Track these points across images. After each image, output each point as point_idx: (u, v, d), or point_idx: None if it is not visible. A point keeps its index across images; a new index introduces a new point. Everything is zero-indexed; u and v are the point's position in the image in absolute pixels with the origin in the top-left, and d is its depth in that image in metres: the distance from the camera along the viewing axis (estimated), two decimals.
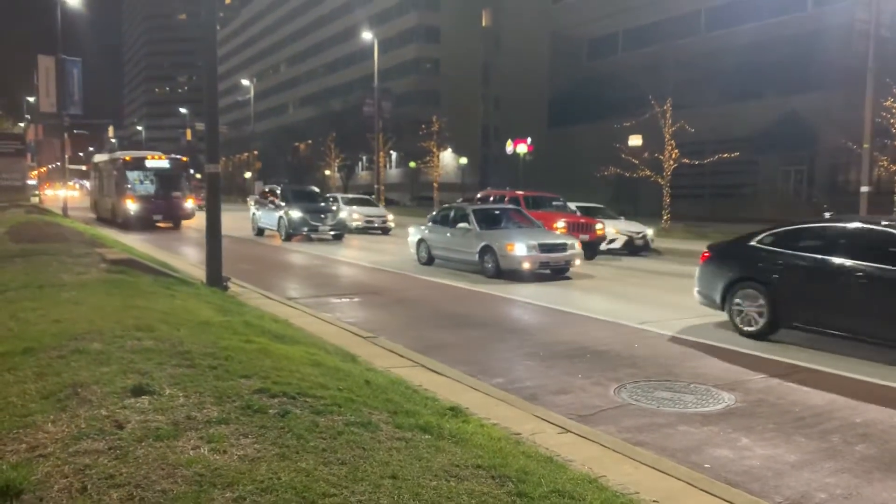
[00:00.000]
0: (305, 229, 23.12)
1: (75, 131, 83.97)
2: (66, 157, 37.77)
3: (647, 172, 29.89)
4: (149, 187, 28.11)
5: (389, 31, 73.55)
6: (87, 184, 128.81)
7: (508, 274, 14.16)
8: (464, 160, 58.96)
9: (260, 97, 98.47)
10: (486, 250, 14.34)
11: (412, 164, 60.13)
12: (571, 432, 5.08)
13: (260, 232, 25.51)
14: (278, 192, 25.08)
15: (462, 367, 7.09)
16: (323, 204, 25.14)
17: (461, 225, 15.14)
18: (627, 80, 40.43)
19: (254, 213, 26.39)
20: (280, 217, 23.39)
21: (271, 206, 24.41)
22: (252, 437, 3.83)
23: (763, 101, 35.45)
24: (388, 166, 67.82)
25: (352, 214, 26.74)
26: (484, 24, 73.23)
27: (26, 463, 3.39)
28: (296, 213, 22.92)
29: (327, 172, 66.31)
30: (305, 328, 8.37)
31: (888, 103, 20.98)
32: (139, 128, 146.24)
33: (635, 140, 31.38)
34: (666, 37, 41.98)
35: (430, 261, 16.14)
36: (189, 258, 17.24)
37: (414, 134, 52.78)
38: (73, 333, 5.92)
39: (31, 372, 4.85)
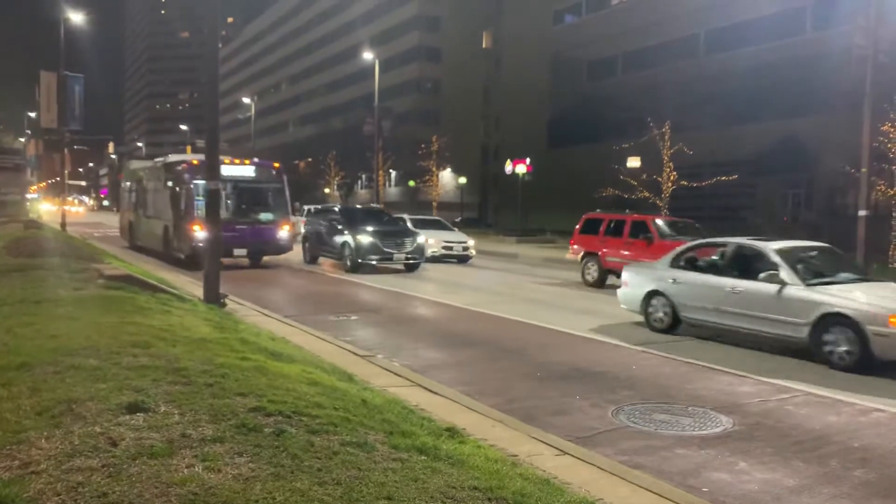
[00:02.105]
0: (376, 258, 18.89)
1: (75, 147, 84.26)
2: (66, 172, 37.81)
3: (646, 194, 29.99)
4: (228, 206, 18.91)
5: (390, 50, 74.01)
6: (87, 199, 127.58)
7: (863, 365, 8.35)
8: (463, 179, 59.12)
9: (261, 115, 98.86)
10: (834, 324, 8.54)
11: (411, 183, 60.28)
12: (568, 454, 5.05)
13: (313, 259, 21.75)
14: (336, 211, 21.41)
15: None
16: (396, 226, 21.09)
17: (761, 276, 9.45)
18: (627, 102, 40.65)
19: (305, 238, 22.25)
20: (344, 242, 19.28)
21: (329, 228, 20.27)
22: (247, 456, 3.80)
23: (762, 125, 35.61)
24: (387, 185, 67.96)
25: (427, 240, 21.41)
26: (484, 45, 73.71)
27: (19, 479, 3.35)
28: (365, 238, 18.80)
29: (326, 190, 66.51)
30: (302, 346, 8.34)
31: (886, 128, 21.08)
32: (139, 144, 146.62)
33: (634, 161, 31.51)
34: (665, 59, 42.27)
35: (673, 325, 10.71)
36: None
37: (413, 153, 52.98)
38: (68, 349, 5.90)
39: (25, 387, 4.82)
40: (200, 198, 17.44)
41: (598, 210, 19.82)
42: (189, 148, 78.39)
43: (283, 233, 19.70)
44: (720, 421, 6.34)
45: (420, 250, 19.65)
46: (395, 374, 7.36)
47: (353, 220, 20.12)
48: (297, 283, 17.65)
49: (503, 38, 67.37)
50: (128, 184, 26.76)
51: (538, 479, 4.28)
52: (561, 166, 47.90)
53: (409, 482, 3.72)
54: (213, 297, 10.94)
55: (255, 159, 22.19)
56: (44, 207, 55.00)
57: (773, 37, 35.85)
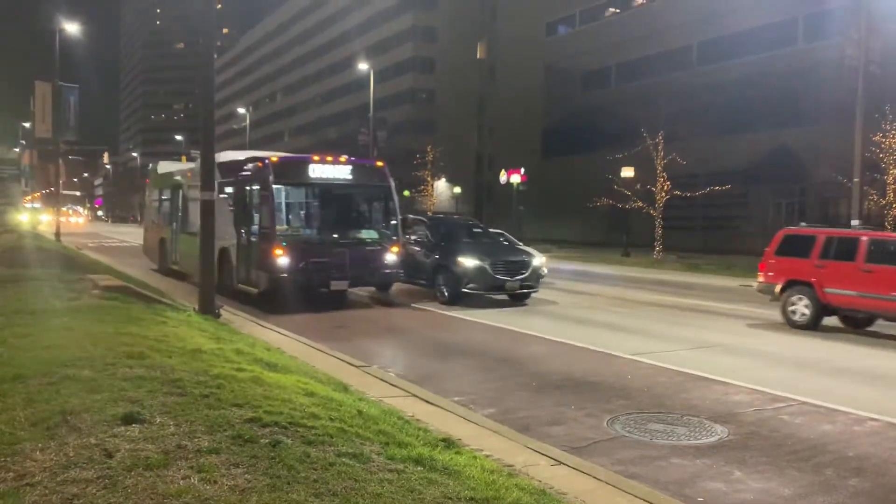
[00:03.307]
0: (484, 287, 14.44)
1: (70, 157, 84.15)
2: (61, 182, 37.75)
3: (640, 204, 30.11)
4: (317, 221, 14.50)
5: (386, 61, 74.24)
6: (81, 209, 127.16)
7: None
8: (458, 189, 59.19)
9: (256, 125, 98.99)
10: None
11: (406, 193, 60.26)
12: (564, 464, 5.05)
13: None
14: (424, 222, 16.41)
15: None
16: (504, 245, 17.02)
17: None
18: (620, 113, 40.83)
19: None
20: (439, 266, 14.86)
21: (413, 246, 15.62)
22: (243, 467, 3.80)
23: (754, 135, 35.81)
24: None
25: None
26: (479, 55, 74.02)
27: (14, 492, 3.34)
28: (470, 261, 14.34)
29: None
30: (298, 357, 8.33)
31: (877, 138, 21.25)
32: (134, 154, 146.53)
33: (628, 171, 31.66)
34: (658, 71, 42.53)
35: None
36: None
37: (408, 163, 53.03)
38: (63, 360, 5.88)
39: (20, 399, 4.80)
40: (277, 213, 13.33)
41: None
42: (184, 158, 78.25)
43: (392, 257, 13.97)
44: (715, 430, 6.35)
45: (537, 276, 15.27)
46: (391, 384, 7.36)
47: (445, 235, 15.81)
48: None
49: (497, 48, 67.67)
50: (156, 192, 20.55)
51: (534, 490, 4.28)
52: (555, 176, 48.05)
53: (406, 493, 3.72)
54: (209, 307, 10.92)
55: (352, 157, 15.76)
56: (44, 218, 54.84)
57: (765, 48, 36.13)
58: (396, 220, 14.55)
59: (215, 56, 14.07)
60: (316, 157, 13.93)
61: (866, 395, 7.81)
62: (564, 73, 51.40)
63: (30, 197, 54.42)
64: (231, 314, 11.79)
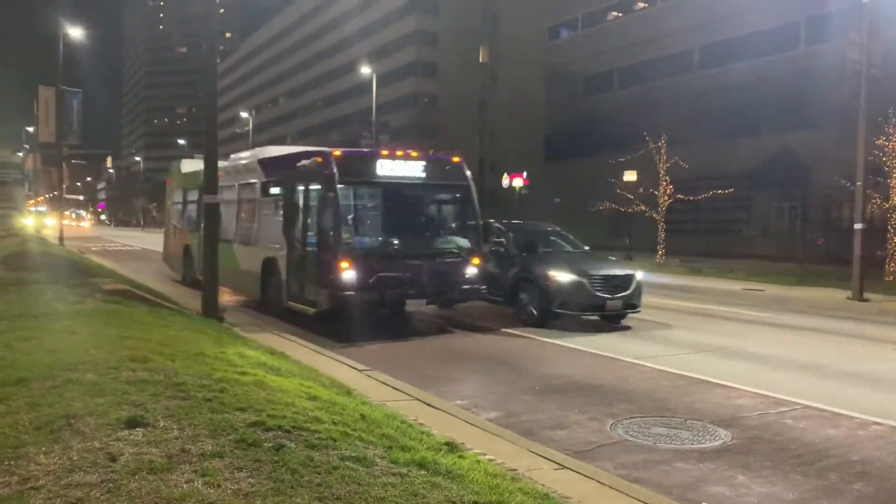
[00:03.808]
0: (581, 306, 12.17)
1: (73, 161, 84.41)
2: (64, 186, 37.80)
3: (642, 207, 30.11)
4: (387, 227, 12.19)
5: (388, 65, 74.39)
6: (84, 213, 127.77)
7: None
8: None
9: (259, 129, 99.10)
10: None
11: None
12: (568, 468, 5.04)
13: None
14: (501, 229, 13.78)
15: None
16: (597, 256, 14.13)
17: None
18: (622, 117, 40.87)
19: None
20: (522, 280, 12.65)
21: (490, 258, 12.99)
22: (246, 471, 3.80)
23: (757, 139, 35.79)
24: None
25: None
26: (481, 59, 74.16)
27: (18, 495, 3.35)
28: (565, 275, 12.09)
29: None
30: (301, 361, 8.33)
31: (880, 141, 21.22)
32: (137, 158, 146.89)
33: (630, 175, 31.66)
34: (660, 74, 42.56)
35: None
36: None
37: None
38: (67, 364, 5.88)
39: (23, 402, 4.80)
40: (343, 216, 10.89)
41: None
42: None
43: (474, 270, 11.75)
44: (719, 434, 6.34)
45: (639, 293, 12.68)
46: (394, 388, 7.35)
47: (527, 244, 13.52)
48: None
49: (499, 53, 67.82)
50: (179, 193, 18.21)
51: (538, 494, 4.27)
52: (557, 180, 48.07)
53: (409, 497, 3.72)
54: (212, 310, 10.93)
55: (430, 152, 14.10)
56: (49, 222, 54.97)
57: (767, 52, 36.14)
58: (478, 225, 12.14)
59: (218, 60, 14.05)
60: (385, 151, 11.74)
61: (870, 398, 7.79)
62: (566, 77, 51.45)
63: (33, 201, 54.49)
64: (234, 318, 11.76)
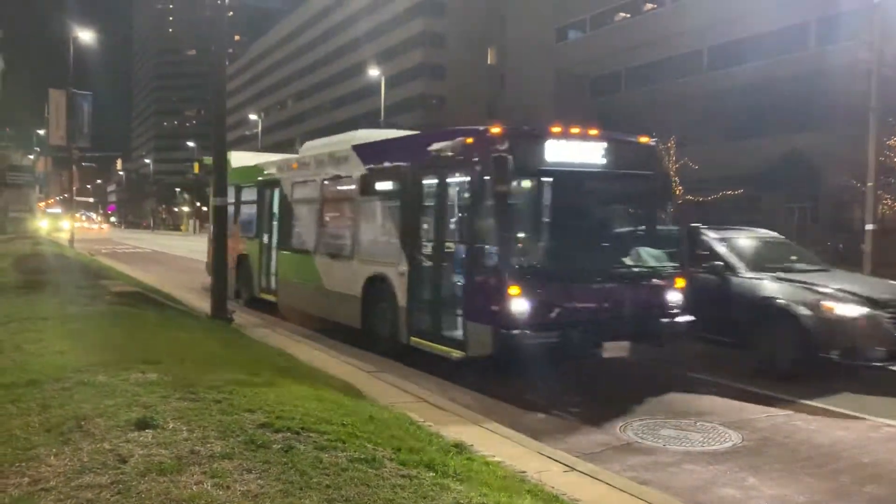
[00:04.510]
0: (879, 352, 8.18)
1: (83, 164, 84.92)
2: (75, 189, 38.04)
3: None
4: (568, 236, 8.44)
5: (396, 67, 74.51)
6: (95, 216, 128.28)
7: None
8: None
9: (267, 132, 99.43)
10: None
11: None
12: (577, 470, 5.03)
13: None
14: (716, 242, 9.75)
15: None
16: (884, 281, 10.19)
17: None
18: (631, 118, 40.74)
19: None
20: (773, 311, 8.68)
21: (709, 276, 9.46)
22: (256, 472, 3.80)
23: (766, 139, 35.62)
24: None
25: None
26: (489, 61, 74.15)
27: (28, 497, 3.37)
28: (849, 307, 8.23)
29: None
30: (310, 362, 8.34)
31: (892, 142, 21.12)
32: (147, 160, 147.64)
33: None
34: (668, 75, 42.43)
35: None
36: None
37: None
38: (77, 365, 5.91)
39: (34, 404, 4.83)
40: (512, 218, 7.68)
41: None
42: (196, 165, 78.59)
43: (679, 296, 8.36)
44: (729, 436, 6.31)
45: None
46: (403, 390, 7.35)
47: (758, 259, 9.63)
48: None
49: (507, 54, 67.78)
50: (231, 191, 13.25)
51: (547, 496, 4.26)
52: None
53: (418, 499, 3.71)
54: (221, 312, 10.95)
55: (618, 134, 9.07)
56: (65, 225, 55.29)
57: (777, 52, 35.97)
58: (681, 231, 9.01)
59: (227, 63, 14.01)
60: (556, 128, 8.09)
61: (881, 400, 7.73)
62: (575, 79, 51.36)
63: (44, 203, 54.84)
64: (244, 319, 11.67)
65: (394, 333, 9.11)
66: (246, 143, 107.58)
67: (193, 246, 37.75)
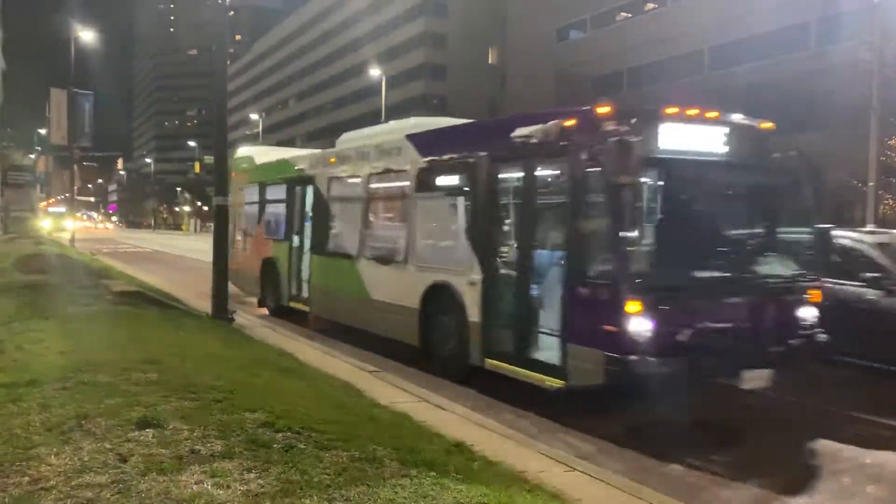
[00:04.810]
0: None
1: (84, 163, 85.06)
2: (76, 188, 38.07)
3: None
4: (693, 240, 6.47)
5: (397, 67, 74.55)
6: (96, 215, 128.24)
7: None
8: None
9: (268, 131, 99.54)
10: None
11: None
12: (577, 470, 5.02)
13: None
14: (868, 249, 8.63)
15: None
16: None
17: None
18: None
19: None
20: None
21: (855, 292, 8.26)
22: (256, 472, 3.80)
23: None
24: None
25: None
26: (490, 61, 74.19)
27: (28, 496, 3.37)
28: None
29: None
30: (311, 362, 8.33)
31: (893, 142, 21.11)
32: (148, 160, 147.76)
33: None
34: (669, 75, 42.40)
35: None
36: None
37: None
38: (78, 365, 5.91)
39: (35, 403, 4.83)
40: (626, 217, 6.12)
41: None
42: (197, 165, 78.63)
43: (813, 312, 6.92)
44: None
45: None
46: (404, 389, 7.34)
47: None
48: None
49: (508, 54, 67.76)
50: (255, 190, 13.86)
51: (548, 496, 4.26)
52: None
53: (419, 498, 3.71)
54: (222, 312, 10.94)
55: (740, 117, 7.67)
56: (69, 224, 55.29)
57: (777, 52, 35.97)
58: (815, 234, 7.32)
59: (228, 63, 13.97)
60: (672, 108, 6.86)
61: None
62: (576, 78, 51.34)
63: (45, 203, 54.87)
64: (244, 319, 11.65)
65: (461, 353, 7.78)
66: (247, 143, 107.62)
67: (195, 246, 37.78)
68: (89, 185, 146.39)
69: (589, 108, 6.57)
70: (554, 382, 6.50)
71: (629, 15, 48.27)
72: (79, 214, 73.23)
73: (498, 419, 6.38)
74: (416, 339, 8.64)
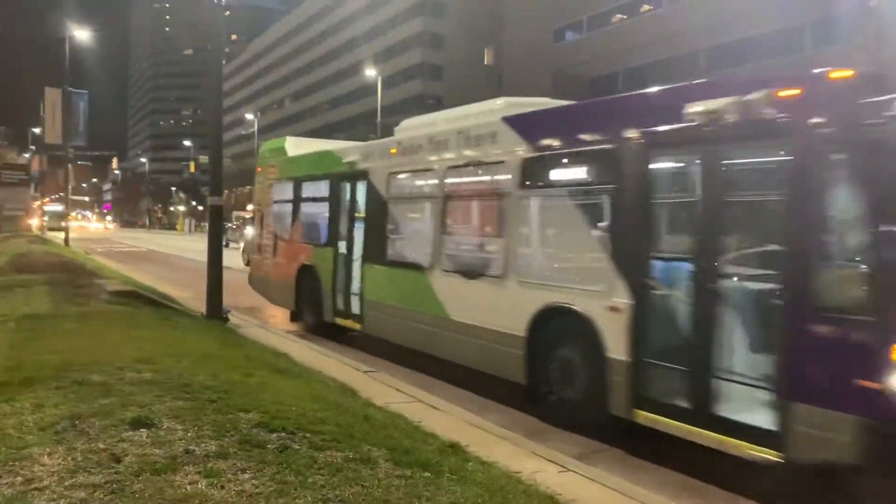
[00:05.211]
0: None
1: (79, 162, 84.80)
2: (70, 188, 37.95)
3: None
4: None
5: (393, 67, 74.57)
6: (90, 214, 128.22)
7: None
8: None
9: (264, 131, 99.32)
10: None
11: None
12: (572, 471, 5.03)
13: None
14: None
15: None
16: None
17: None
18: None
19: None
20: None
21: None
22: (250, 472, 3.79)
23: None
24: None
25: None
26: (487, 61, 74.24)
27: (21, 496, 3.35)
28: None
29: None
30: (306, 362, 8.32)
31: None
32: (143, 160, 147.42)
33: None
34: (666, 77, 42.32)
35: None
36: None
37: None
38: (72, 365, 5.89)
39: (28, 403, 4.81)
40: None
41: None
42: (192, 164, 78.50)
43: None
44: None
45: None
46: (398, 390, 7.34)
47: None
48: None
49: (505, 55, 67.75)
50: (288, 187, 12.16)
51: (542, 496, 4.26)
52: None
53: (413, 499, 3.71)
54: (217, 312, 10.92)
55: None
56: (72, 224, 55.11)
57: (774, 54, 36.11)
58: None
59: (223, 62, 13.93)
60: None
61: None
62: (572, 79, 51.42)
63: (39, 202, 54.67)
64: (239, 319, 11.67)
65: (593, 398, 6.18)
66: (243, 143, 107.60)
67: (189, 245, 37.70)
68: (84, 185, 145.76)
69: (820, 72, 5.25)
70: (763, 453, 4.81)
71: (625, 16, 48.39)
72: (74, 214, 72.92)
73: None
74: (518, 374, 6.97)
